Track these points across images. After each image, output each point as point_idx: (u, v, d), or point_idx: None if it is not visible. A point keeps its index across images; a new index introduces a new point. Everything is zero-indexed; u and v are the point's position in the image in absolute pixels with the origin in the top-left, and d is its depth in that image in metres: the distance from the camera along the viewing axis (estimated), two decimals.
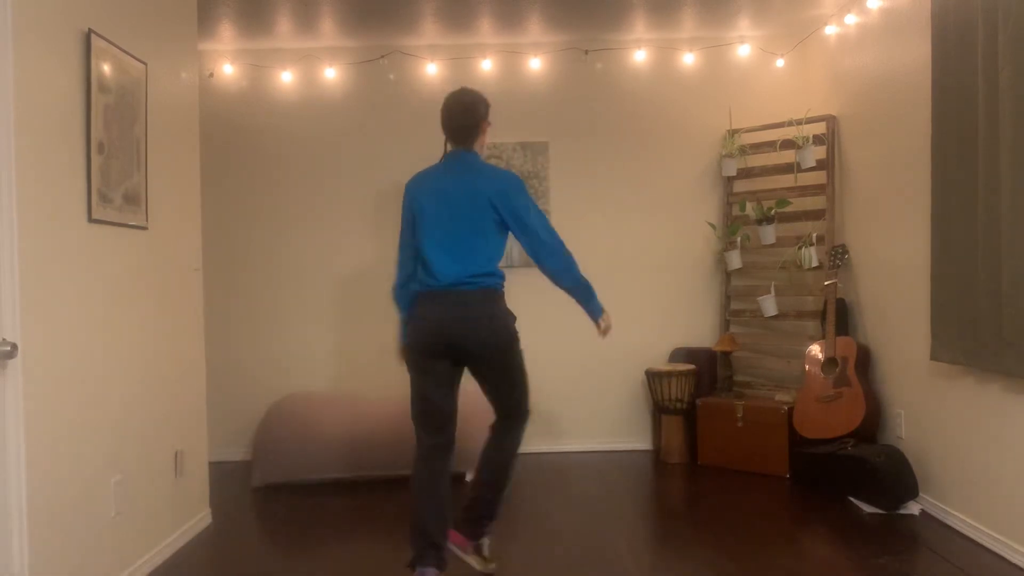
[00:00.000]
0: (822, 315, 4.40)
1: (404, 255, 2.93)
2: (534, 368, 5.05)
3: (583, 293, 2.91)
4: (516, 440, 2.98)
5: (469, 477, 4.39)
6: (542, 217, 2.88)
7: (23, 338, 2.33)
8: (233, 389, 4.99)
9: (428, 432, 2.84)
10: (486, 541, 3.03)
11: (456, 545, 2.92)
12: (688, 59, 5.05)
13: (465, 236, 2.80)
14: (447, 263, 2.78)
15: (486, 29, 4.79)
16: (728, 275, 5.03)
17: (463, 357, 2.81)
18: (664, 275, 5.10)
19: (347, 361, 5.07)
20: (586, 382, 4.98)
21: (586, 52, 5.05)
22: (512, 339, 2.86)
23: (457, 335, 2.76)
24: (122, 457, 2.94)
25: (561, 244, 2.87)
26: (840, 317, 4.31)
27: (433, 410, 2.83)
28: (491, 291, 2.82)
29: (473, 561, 2.96)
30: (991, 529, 3.21)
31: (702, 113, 5.07)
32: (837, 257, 4.31)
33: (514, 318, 2.88)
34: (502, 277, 2.86)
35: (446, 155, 3.01)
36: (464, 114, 2.95)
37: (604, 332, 2.98)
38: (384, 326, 5.08)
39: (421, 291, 2.84)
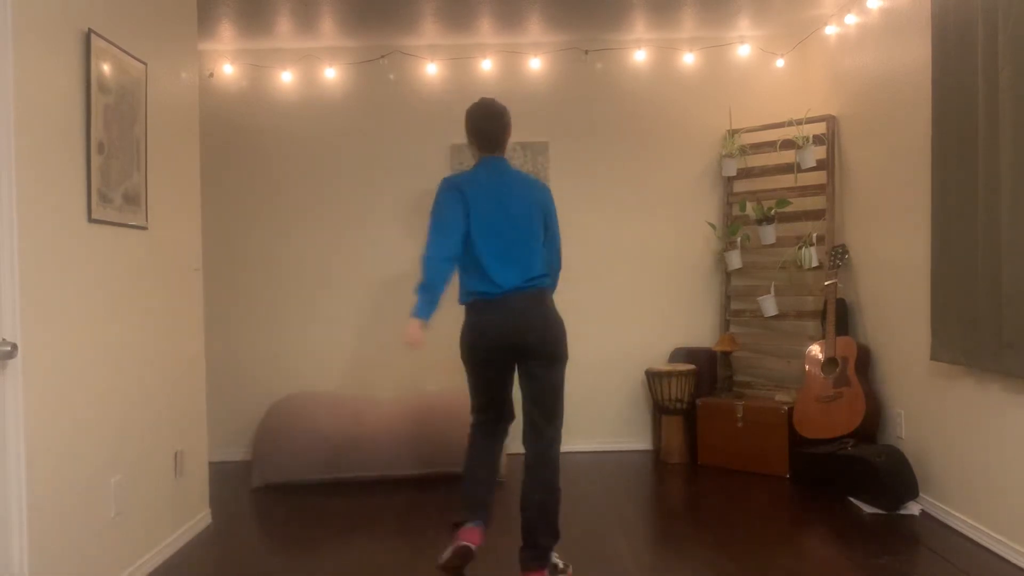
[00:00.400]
0: (822, 315, 4.40)
1: (452, 236, 2.88)
2: None
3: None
4: (554, 457, 2.95)
5: None
6: (558, 232, 3.13)
7: (23, 338, 2.33)
8: (233, 389, 4.99)
9: (486, 413, 3.06)
10: (556, 561, 2.99)
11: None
12: (688, 59, 5.05)
13: (522, 242, 2.94)
14: (506, 271, 2.90)
15: (486, 29, 4.79)
16: (728, 275, 5.03)
17: (522, 354, 2.91)
18: (664, 275, 5.10)
19: (347, 361, 5.07)
20: (586, 382, 4.98)
21: (586, 52, 5.05)
22: (564, 335, 2.97)
23: (519, 337, 2.88)
24: (122, 457, 2.94)
25: (560, 258, 3.15)
26: (840, 317, 4.31)
27: (494, 401, 3.04)
28: (545, 290, 2.99)
29: None
30: (991, 529, 3.21)
31: (702, 113, 5.07)
32: (837, 257, 4.31)
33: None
34: (548, 275, 3.03)
35: (484, 162, 3.06)
36: (496, 121, 3.05)
37: None
38: (384, 326, 5.08)
39: (478, 299, 2.93)
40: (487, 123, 3.04)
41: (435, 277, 2.85)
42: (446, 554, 2.87)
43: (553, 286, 3.10)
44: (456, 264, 2.93)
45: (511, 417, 3.11)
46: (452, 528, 2.98)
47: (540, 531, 2.87)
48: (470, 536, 2.89)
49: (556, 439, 2.95)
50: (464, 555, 2.85)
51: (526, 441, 2.96)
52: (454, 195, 2.93)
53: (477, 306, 2.93)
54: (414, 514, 3.81)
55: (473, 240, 2.91)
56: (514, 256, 2.91)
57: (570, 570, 3.02)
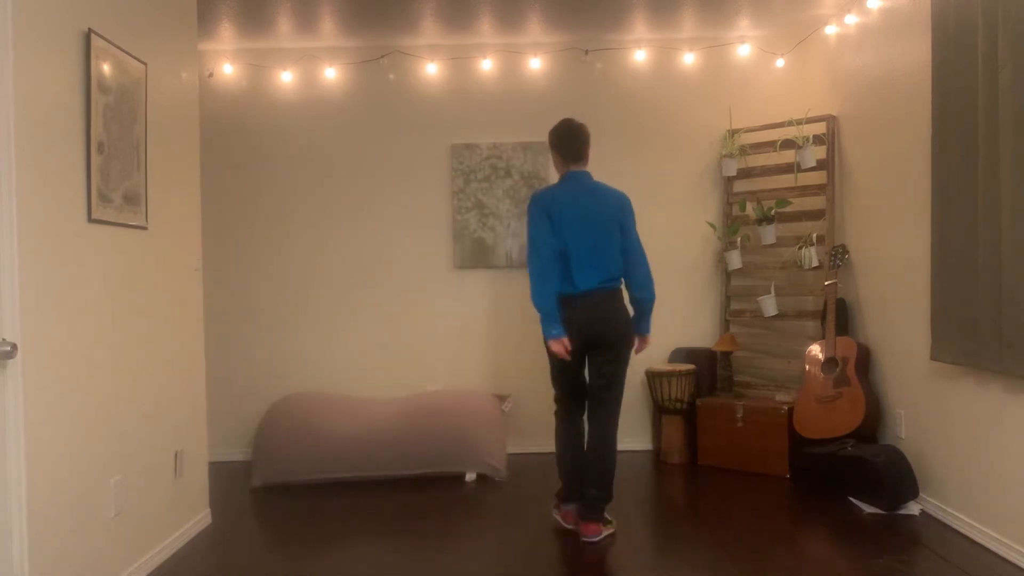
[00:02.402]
0: (822, 315, 4.40)
1: (549, 265, 3.35)
2: (535, 368, 5.06)
3: (646, 307, 3.51)
4: (612, 425, 3.47)
5: (470, 477, 4.40)
6: (637, 236, 3.52)
7: (23, 338, 2.33)
8: (233, 389, 4.99)
9: (571, 396, 3.54)
10: (607, 516, 3.52)
11: (591, 538, 3.40)
12: (688, 59, 5.05)
13: (600, 250, 3.39)
14: (586, 275, 3.36)
15: (486, 29, 4.79)
16: (728, 275, 5.03)
17: (594, 343, 3.39)
18: (664, 275, 5.06)
19: (347, 361, 5.07)
20: None
21: (586, 52, 5.05)
22: (631, 330, 3.47)
23: (598, 328, 3.38)
24: (122, 457, 2.94)
25: (647, 261, 3.50)
26: (840, 317, 4.31)
27: (576, 382, 3.51)
28: (619, 291, 3.46)
29: (605, 530, 3.46)
30: (991, 529, 3.21)
31: (702, 113, 5.07)
32: (837, 257, 4.31)
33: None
34: (621, 279, 3.47)
35: (568, 176, 3.52)
36: (580, 137, 3.54)
37: (639, 350, 3.57)
38: (384, 326, 5.09)
39: (561, 296, 3.36)
40: (570, 140, 3.51)
41: (547, 306, 3.34)
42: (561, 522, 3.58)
43: (644, 289, 3.47)
44: (556, 290, 3.36)
45: (584, 395, 3.54)
46: (555, 497, 3.67)
47: (596, 488, 3.41)
48: (567, 517, 3.54)
49: (619, 398, 3.48)
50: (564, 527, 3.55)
51: (590, 417, 3.49)
52: (540, 216, 3.39)
53: (562, 301, 3.36)
54: (414, 514, 3.81)
55: (563, 248, 3.36)
56: (594, 263, 3.37)
57: (615, 524, 3.53)
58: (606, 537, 3.42)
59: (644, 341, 3.56)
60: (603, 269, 3.37)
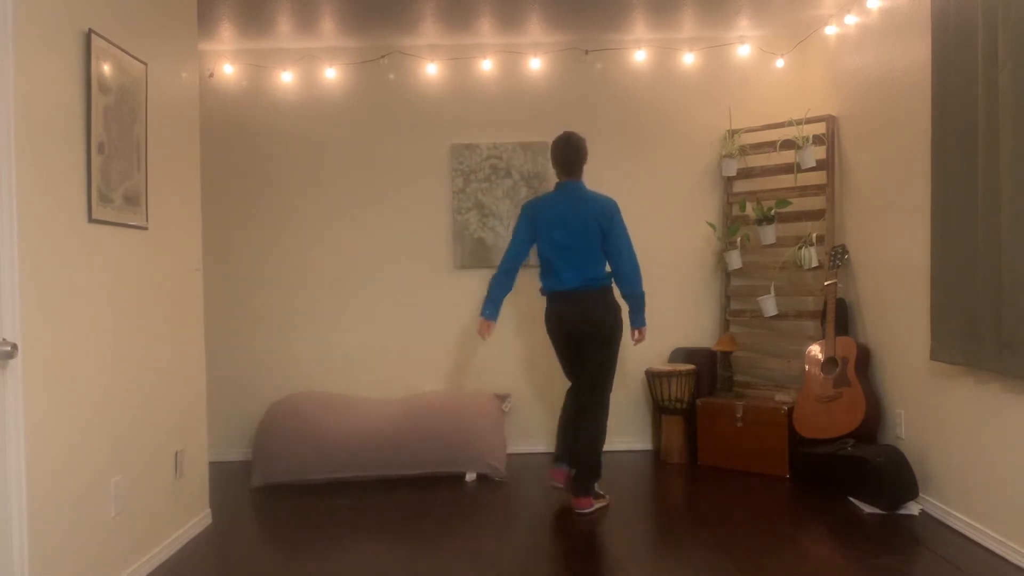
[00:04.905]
0: (822, 315, 4.40)
1: (514, 255, 3.87)
2: (535, 367, 5.06)
3: (636, 303, 3.85)
4: (595, 410, 3.85)
5: (470, 477, 4.40)
6: (627, 236, 3.83)
7: (23, 338, 2.33)
8: (233, 389, 5.00)
9: (573, 377, 3.97)
10: (598, 490, 3.92)
11: (583, 509, 3.77)
12: (688, 59, 5.05)
13: (584, 250, 3.76)
14: (569, 273, 3.77)
15: (486, 29, 4.79)
16: (728, 275, 5.03)
17: (578, 335, 3.81)
18: (664, 275, 5.09)
19: (347, 361, 5.07)
20: None
21: (586, 52, 5.05)
22: (617, 325, 3.83)
23: (579, 321, 3.79)
24: (122, 457, 2.95)
25: (635, 259, 3.83)
26: (840, 317, 4.31)
27: (574, 367, 3.91)
28: (604, 288, 3.82)
29: (597, 503, 3.83)
30: (991, 529, 3.21)
31: (702, 113, 5.07)
32: (837, 257, 4.31)
33: (619, 308, 3.85)
34: (609, 276, 3.83)
35: (561, 185, 3.89)
36: (575, 152, 3.86)
37: (637, 341, 3.91)
38: (385, 326, 5.08)
39: (553, 291, 3.85)
40: (566, 154, 3.84)
41: (493, 284, 3.87)
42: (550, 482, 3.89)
43: (632, 286, 3.80)
44: (513, 276, 3.88)
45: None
46: (551, 462, 4.01)
47: (583, 465, 3.79)
48: (557, 476, 3.84)
49: (602, 400, 3.85)
50: (555, 488, 3.89)
51: (578, 395, 3.89)
52: (525, 219, 3.89)
53: (552, 295, 3.86)
54: (414, 514, 3.82)
55: (543, 251, 3.83)
56: (576, 264, 3.76)
57: (608, 498, 3.92)
58: (597, 509, 3.81)
59: (641, 333, 3.88)
60: (585, 270, 3.77)
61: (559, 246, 3.78)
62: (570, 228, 3.77)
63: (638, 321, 3.85)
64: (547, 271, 3.86)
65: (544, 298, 3.94)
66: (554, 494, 4.03)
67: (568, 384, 4.04)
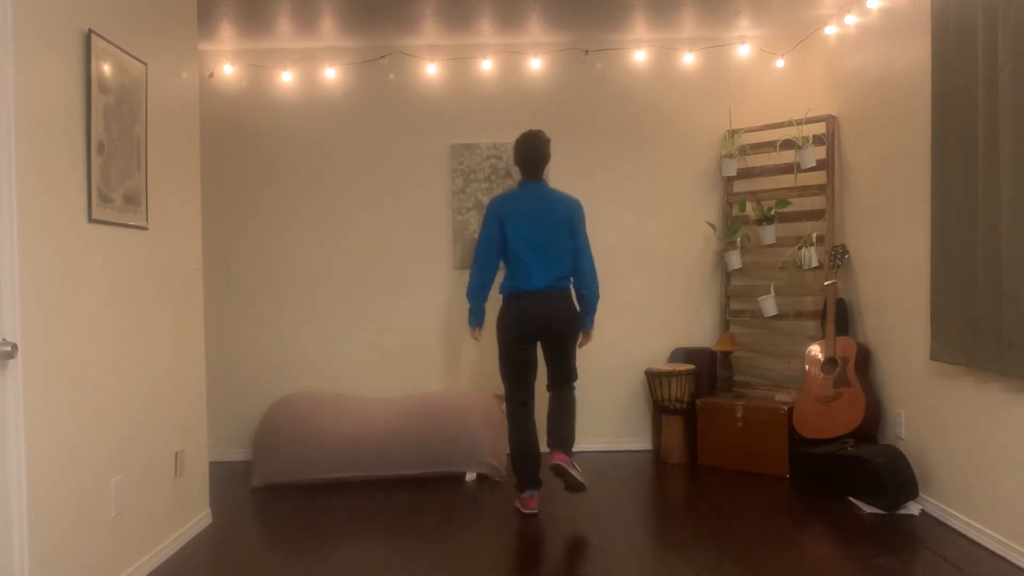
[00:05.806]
0: (822, 315, 4.40)
1: (487, 262, 3.83)
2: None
3: (589, 304, 3.86)
4: (572, 395, 3.90)
5: (470, 477, 4.40)
6: (586, 238, 3.87)
7: (23, 338, 2.33)
8: (233, 389, 5.00)
9: (521, 385, 3.84)
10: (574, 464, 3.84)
11: (563, 463, 3.68)
12: (688, 59, 5.05)
13: (550, 250, 3.75)
14: (540, 273, 3.74)
15: (486, 29, 4.79)
16: (728, 275, 5.03)
17: (547, 336, 3.79)
18: (664, 275, 5.10)
19: (347, 361, 5.07)
20: (586, 382, 4.97)
21: (586, 52, 5.05)
22: (578, 321, 3.82)
23: (549, 322, 3.75)
24: (122, 457, 2.94)
25: (592, 262, 3.86)
26: (840, 317, 4.31)
27: (526, 371, 3.83)
28: (568, 291, 3.80)
29: (575, 473, 3.69)
30: (991, 529, 3.21)
31: (702, 113, 5.07)
32: (837, 257, 4.31)
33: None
34: (571, 278, 3.82)
35: (525, 184, 3.87)
36: (539, 151, 3.83)
37: (582, 344, 3.91)
38: (385, 326, 5.09)
39: (515, 291, 3.77)
40: (530, 153, 3.82)
41: (475, 301, 3.88)
42: (523, 508, 3.81)
43: (589, 287, 3.82)
44: (489, 287, 3.87)
45: (532, 382, 3.88)
46: (516, 488, 3.88)
47: (562, 434, 3.79)
48: (531, 504, 3.78)
49: (572, 385, 3.89)
50: (532, 516, 3.77)
51: (552, 388, 3.87)
52: (491, 220, 3.81)
53: (516, 295, 3.77)
54: (414, 514, 3.82)
55: (514, 250, 3.76)
56: (545, 263, 3.74)
57: (584, 474, 3.77)
58: (578, 469, 3.72)
59: (587, 336, 3.92)
60: (553, 270, 3.75)
61: (532, 245, 3.75)
62: (543, 227, 3.76)
63: (588, 323, 3.87)
64: (516, 270, 3.78)
65: (502, 296, 3.84)
66: (554, 494, 4.02)
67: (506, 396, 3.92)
